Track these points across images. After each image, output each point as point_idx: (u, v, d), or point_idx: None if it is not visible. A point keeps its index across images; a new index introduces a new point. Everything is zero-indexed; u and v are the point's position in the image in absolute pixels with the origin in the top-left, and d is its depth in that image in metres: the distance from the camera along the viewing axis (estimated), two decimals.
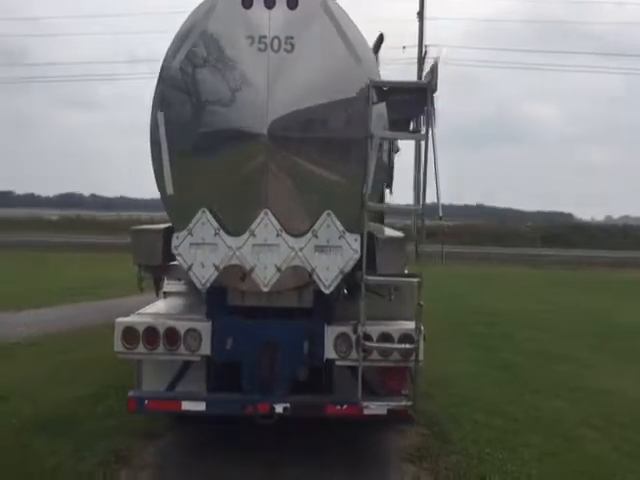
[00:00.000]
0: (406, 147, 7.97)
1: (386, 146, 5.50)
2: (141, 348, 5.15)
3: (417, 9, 30.86)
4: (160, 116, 4.97)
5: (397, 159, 7.66)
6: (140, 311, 5.64)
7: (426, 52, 29.67)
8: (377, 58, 10.78)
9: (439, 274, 23.37)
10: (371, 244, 5.02)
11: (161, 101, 5.00)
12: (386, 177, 10.21)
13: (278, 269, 4.91)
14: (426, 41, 30.72)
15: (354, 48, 4.90)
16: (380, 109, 4.98)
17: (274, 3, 4.91)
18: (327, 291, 4.91)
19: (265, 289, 4.94)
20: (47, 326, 11.53)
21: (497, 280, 22.68)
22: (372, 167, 4.90)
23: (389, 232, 5.52)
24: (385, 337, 5.05)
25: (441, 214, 4.89)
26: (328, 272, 4.88)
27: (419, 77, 30.57)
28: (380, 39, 10.82)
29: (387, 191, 10.37)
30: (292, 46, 4.88)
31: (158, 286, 5.78)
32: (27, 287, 16.71)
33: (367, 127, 4.80)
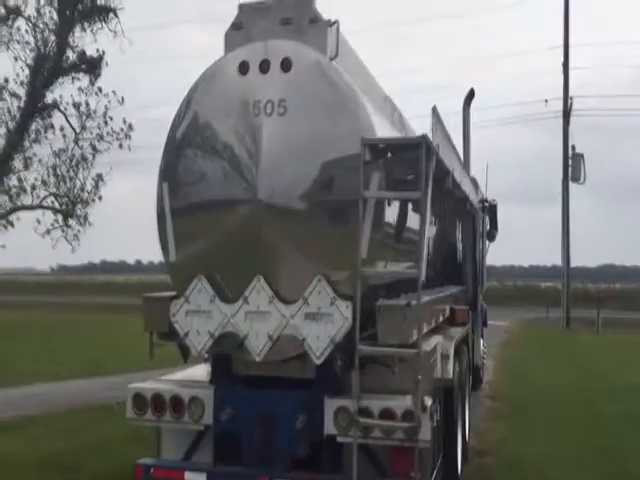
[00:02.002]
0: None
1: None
2: (149, 415, 5.15)
3: (562, 60, 29.64)
4: (164, 186, 5.10)
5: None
6: (162, 377, 5.66)
7: (571, 105, 28.30)
8: (468, 113, 10.51)
9: (589, 343, 21.60)
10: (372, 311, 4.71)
11: (165, 171, 5.13)
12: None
13: (270, 338, 4.74)
14: (573, 92, 29.27)
15: (348, 107, 4.74)
16: (376, 168, 4.71)
17: (269, 67, 4.92)
18: (318, 362, 4.63)
19: (258, 358, 4.77)
20: None
21: None
22: (367, 229, 4.63)
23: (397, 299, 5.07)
24: (387, 413, 4.62)
25: (423, 277, 4.44)
26: (319, 341, 4.61)
27: (565, 132, 29.33)
28: (471, 94, 10.53)
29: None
30: (285, 109, 4.83)
31: (184, 352, 5.79)
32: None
33: (359, 188, 4.56)
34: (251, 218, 4.79)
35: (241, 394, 4.98)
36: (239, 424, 4.90)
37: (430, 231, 6.32)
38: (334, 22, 5.04)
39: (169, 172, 5.12)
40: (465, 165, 10.31)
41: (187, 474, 5.00)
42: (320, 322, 4.62)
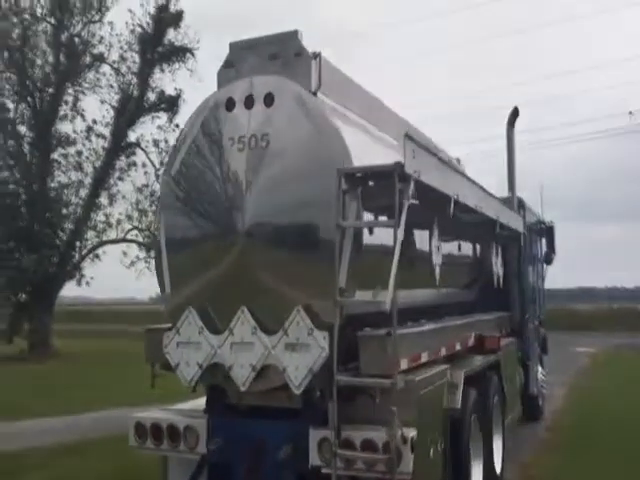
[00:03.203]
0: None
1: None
2: (149, 443, 5.30)
3: None
4: (161, 220, 5.31)
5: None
6: (171, 407, 5.80)
7: None
8: (512, 131, 10.23)
9: None
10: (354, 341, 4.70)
11: (161, 206, 5.35)
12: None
13: (253, 368, 4.80)
14: None
15: (325, 138, 4.79)
16: (354, 197, 4.71)
17: (253, 103, 5.06)
18: (297, 391, 4.65)
19: (242, 388, 4.84)
20: None
21: None
22: (345, 259, 4.63)
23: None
24: (368, 444, 4.55)
25: (388, 306, 4.34)
26: (297, 371, 4.63)
27: None
28: (514, 114, 10.27)
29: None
30: (268, 142, 4.95)
31: None
32: None
33: (337, 217, 4.58)
34: (235, 250, 4.92)
35: (230, 424, 5.05)
36: (229, 453, 4.97)
37: (438, 258, 6.19)
38: (317, 54, 5.14)
39: (164, 207, 5.34)
40: (510, 185, 10.05)
41: None
42: (299, 352, 4.64)
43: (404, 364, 4.94)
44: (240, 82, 5.18)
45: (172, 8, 25.44)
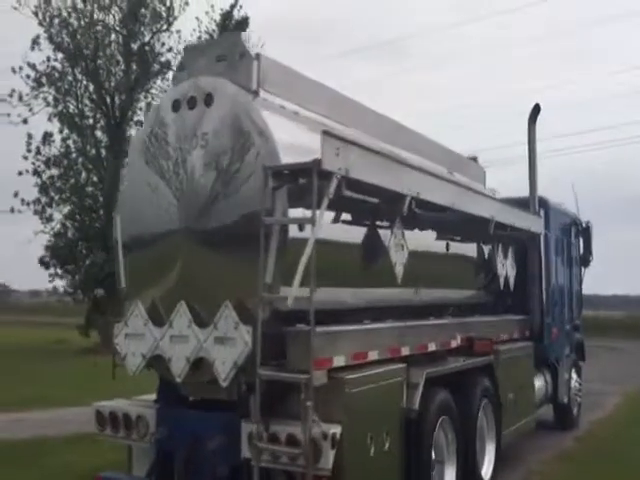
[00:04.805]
0: None
1: None
2: (108, 431, 5.55)
3: None
4: (117, 218, 5.57)
5: None
6: (138, 397, 6.04)
7: None
8: (533, 128, 9.85)
9: None
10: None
11: (117, 206, 5.63)
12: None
13: (187, 360, 4.94)
14: None
15: (255, 137, 4.87)
16: (281, 194, 4.77)
17: (195, 103, 5.22)
18: (224, 384, 4.74)
19: (178, 380, 4.99)
20: None
21: None
22: (272, 255, 4.69)
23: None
24: (291, 439, 4.59)
25: (290, 302, 4.38)
26: (224, 365, 4.73)
27: None
28: (535, 110, 9.89)
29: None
30: (206, 142, 5.10)
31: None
32: None
33: (261, 214, 4.66)
34: (175, 247, 5.13)
35: (174, 414, 5.23)
36: (172, 442, 5.13)
37: (402, 257, 6.09)
38: (258, 55, 5.25)
39: (120, 204, 5.61)
40: (531, 184, 9.69)
41: None
42: (226, 346, 4.74)
43: (339, 361, 4.97)
44: (185, 83, 5.35)
45: (237, 15, 26.09)
